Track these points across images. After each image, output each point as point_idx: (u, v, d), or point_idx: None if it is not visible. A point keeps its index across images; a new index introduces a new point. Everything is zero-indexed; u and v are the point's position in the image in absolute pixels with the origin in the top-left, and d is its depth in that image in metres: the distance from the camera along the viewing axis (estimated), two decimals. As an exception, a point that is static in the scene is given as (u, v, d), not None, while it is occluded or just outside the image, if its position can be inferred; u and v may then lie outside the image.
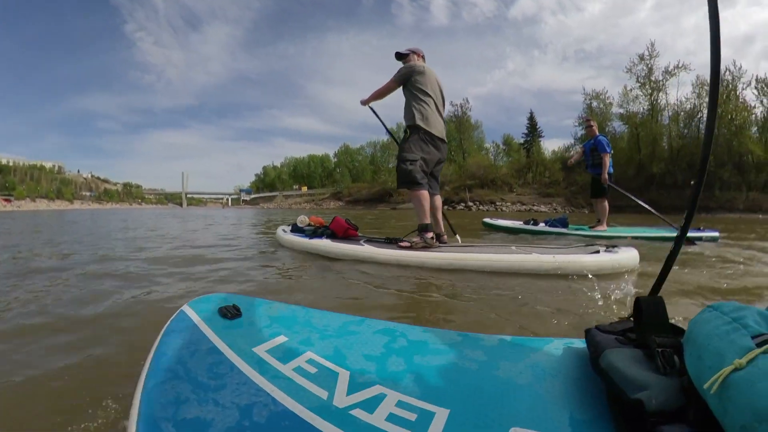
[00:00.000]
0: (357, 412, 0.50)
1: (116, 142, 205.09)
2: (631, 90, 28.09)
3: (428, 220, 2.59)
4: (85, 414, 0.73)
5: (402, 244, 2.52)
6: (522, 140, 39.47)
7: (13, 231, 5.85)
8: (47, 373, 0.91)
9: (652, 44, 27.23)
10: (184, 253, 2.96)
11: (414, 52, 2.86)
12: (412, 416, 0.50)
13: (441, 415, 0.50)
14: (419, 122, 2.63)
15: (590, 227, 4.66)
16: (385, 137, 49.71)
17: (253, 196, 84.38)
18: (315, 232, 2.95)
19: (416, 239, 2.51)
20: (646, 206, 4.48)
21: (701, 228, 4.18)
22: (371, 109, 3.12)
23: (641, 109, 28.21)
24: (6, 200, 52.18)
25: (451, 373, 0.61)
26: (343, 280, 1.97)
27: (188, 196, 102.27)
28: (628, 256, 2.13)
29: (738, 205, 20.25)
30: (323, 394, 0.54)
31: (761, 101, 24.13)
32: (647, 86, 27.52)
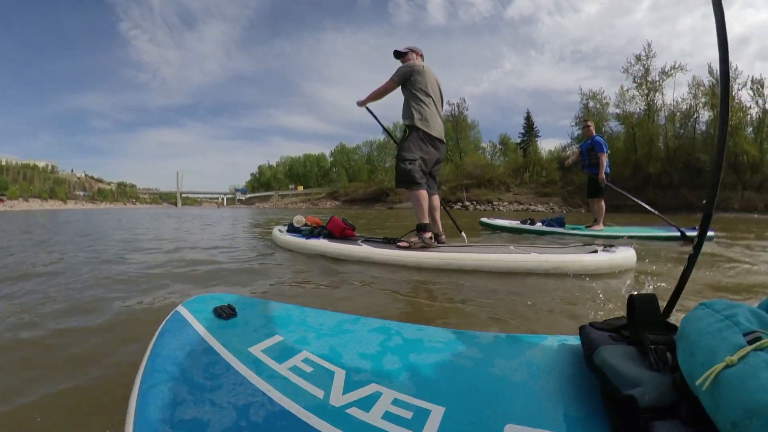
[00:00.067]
0: (353, 411, 0.50)
1: (110, 141, 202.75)
2: (627, 90, 28.34)
3: (427, 220, 2.58)
4: (82, 415, 0.73)
5: (400, 244, 2.52)
6: (519, 140, 39.58)
7: (6, 231, 5.80)
8: (44, 373, 0.90)
9: (649, 45, 27.53)
10: (179, 254, 2.95)
11: (413, 51, 2.84)
12: (408, 414, 0.50)
13: (437, 412, 0.50)
14: (418, 123, 2.62)
15: (587, 227, 4.68)
16: (381, 136, 49.73)
17: (248, 195, 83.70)
18: (312, 232, 2.93)
19: (414, 239, 2.51)
20: (645, 205, 4.51)
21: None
22: (368, 110, 3.10)
23: (638, 109, 28.42)
24: (-2, 200, 51.61)
25: (447, 371, 0.61)
26: (340, 280, 1.96)
27: (183, 195, 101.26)
28: (625, 256, 2.15)
29: (733, 205, 20.39)
30: (319, 393, 0.54)
31: (756, 102, 24.37)
32: (644, 86, 27.70)
